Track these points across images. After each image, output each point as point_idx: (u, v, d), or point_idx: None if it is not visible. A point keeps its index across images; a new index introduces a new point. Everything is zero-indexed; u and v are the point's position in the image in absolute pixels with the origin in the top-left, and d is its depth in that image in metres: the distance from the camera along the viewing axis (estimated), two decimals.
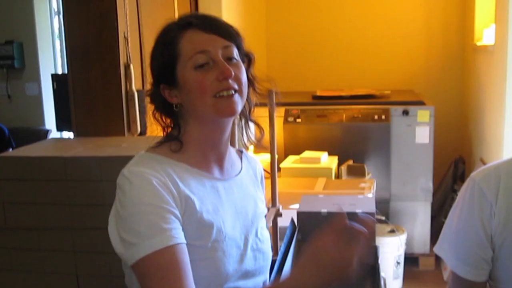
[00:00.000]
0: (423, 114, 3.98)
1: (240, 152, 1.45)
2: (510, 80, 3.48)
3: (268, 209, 2.26)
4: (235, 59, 1.27)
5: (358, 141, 4.06)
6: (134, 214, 1.15)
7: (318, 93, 4.53)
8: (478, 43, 4.45)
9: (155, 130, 2.05)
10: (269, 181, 2.42)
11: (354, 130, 4.07)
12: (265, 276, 1.40)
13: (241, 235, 1.31)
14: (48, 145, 2.59)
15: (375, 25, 5.16)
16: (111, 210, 1.24)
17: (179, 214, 1.18)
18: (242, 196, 1.36)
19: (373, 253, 2.04)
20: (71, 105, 2.54)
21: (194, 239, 1.20)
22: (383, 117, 4.01)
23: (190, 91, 1.23)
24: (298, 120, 4.08)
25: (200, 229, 1.21)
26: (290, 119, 4.07)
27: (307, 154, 3.76)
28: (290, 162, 3.73)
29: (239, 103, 1.26)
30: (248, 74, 1.32)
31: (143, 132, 2.67)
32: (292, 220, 2.45)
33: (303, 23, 5.24)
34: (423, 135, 3.99)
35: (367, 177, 3.65)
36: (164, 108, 1.30)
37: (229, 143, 1.35)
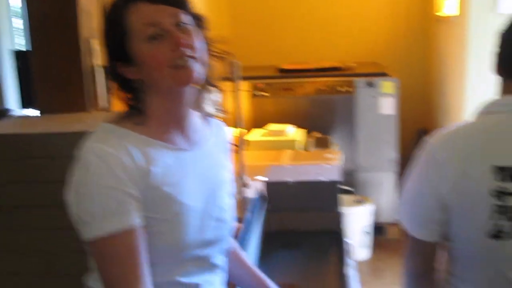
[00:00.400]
0: (387, 86, 4.04)
1: (205, 118, 1.42)
2: (470, 50, 3.55)
3: (236, 180, 2.29)
4: (187, 25, 1.24)
5: (324, 113, 4.11)
6: (90, 194, 1.16)
7: (284, 67, 4.55)
8: (439, 14, 4.50)
9: (120, 105, 2.02)
10: (236, 154, 2.44)
11: (320, 102, 4.11)
12: (224, 243, 1.41)
13: (204, 205, 1.31)
14: (13, 123, 2.55)
15: None
16: (69, 177, 1.23)
17: (137, 193, 1.18)
18: (208, 165, 1.36)
19: (337, 219, 2.09)
20: (34, 82, 2.51)
21: (155, 212, 1.21)
22: (348, 89, 4.05)
23: (146, 65, 1.22)
24: (265, 93, 4.10)
25: (161, 203, 1.22)
26: (257, 93, 4.09)
27: (272, 127, 3.79)
28: (256, 135, 3.75)
29: (197, 70, 1.24)
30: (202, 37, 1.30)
31: (107, 108, 2.66)
32: (260, 191, 2.49)
33: None
34: (388, 106, 4.06)
35: (334, 148, 3.70)
36: (123, 84, 1.28)
37: (191, 111, 1.34)
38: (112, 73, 1.28)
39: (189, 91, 1.29)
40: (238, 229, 1.82)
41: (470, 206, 1.37)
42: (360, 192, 4.11)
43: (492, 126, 1.38)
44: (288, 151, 3.42)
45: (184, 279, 1.29)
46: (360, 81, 4.05)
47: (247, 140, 3.56)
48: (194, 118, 1.36)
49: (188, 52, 1.22)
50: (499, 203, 1.32)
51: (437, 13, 4.60)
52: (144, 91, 1.27)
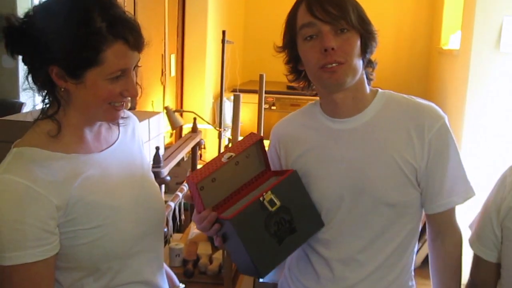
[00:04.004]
0: None
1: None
2: (471, 83, 3.63)
3: None
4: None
5: None
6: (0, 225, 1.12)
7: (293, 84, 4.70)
8: (444, 47, 4.66)
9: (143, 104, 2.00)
10: None
11: None
12: (161, 227, 1.43)
13: (132, 199, 1.30)
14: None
15: None
16: None
17: (52, 225, 1.16)
18: (126, 159, 1.36)
19: None
20: None
21: (85, 223, 1.20)
22: None
23: (93, 95, 1.20)
24: (273, 107, 4.26)
25: (90, 213, 1.21)
26: (266, 106, 4.25)
27: None
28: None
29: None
30: None
31: (133, 107, 2.82)
32: None
33: (278, 20, 5.39)
34: None
35: None
36: (46, 85, 1.21)
37: None
38: (40, 69, 1.19)
39: None
40: None
41: None
42: None
43: None
44: None
45: (138, 277, 1.31)
46: None
47: None
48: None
49: (128, 98, 1.26)
50: None
51: (441, 47, 4.75)
52: (63, 98, 1.22)
